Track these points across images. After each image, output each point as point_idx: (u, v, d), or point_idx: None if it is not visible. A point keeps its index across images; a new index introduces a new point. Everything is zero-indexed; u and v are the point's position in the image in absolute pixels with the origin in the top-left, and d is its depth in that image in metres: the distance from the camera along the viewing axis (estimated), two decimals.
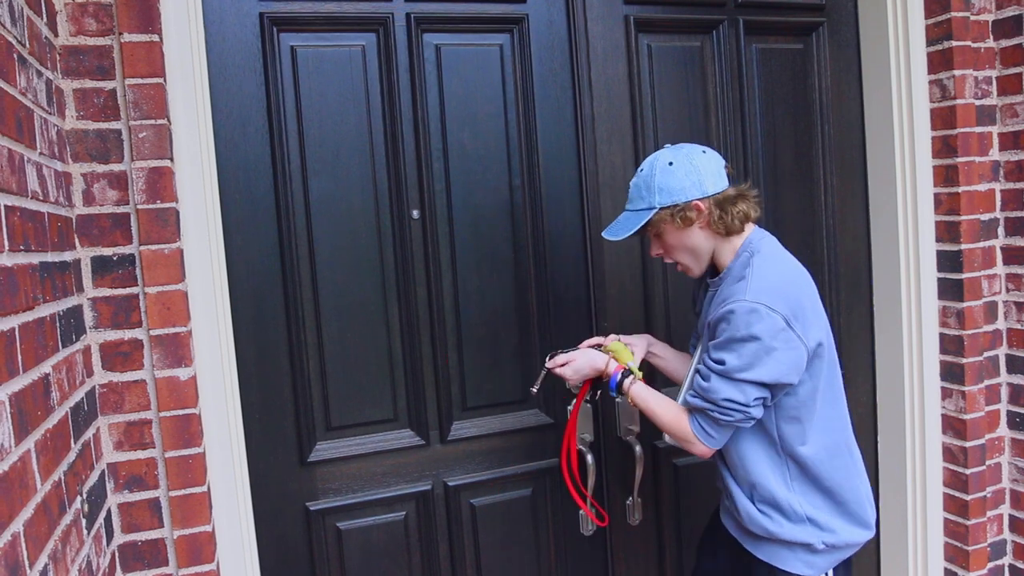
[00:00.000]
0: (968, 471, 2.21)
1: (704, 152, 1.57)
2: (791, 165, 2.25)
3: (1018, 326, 2.26)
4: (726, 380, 1.47)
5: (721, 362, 1.47)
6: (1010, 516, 2.32)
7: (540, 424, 2.05)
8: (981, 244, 2.21)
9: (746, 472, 1.58)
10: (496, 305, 1.99)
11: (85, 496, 1.30)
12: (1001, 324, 2.29)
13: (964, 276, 2.17)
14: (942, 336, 2.24)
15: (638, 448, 2.02)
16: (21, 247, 1.07)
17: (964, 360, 2.19)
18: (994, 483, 2.28)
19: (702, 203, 1.53)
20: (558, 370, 1.72)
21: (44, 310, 1.17)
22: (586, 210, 2.03)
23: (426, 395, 1.94)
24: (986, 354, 2.24)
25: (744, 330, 1.44)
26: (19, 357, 1.02)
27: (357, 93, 1.85)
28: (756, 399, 1.48)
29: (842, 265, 2.32)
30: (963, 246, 2.16)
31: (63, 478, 1.17)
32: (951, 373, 2.23)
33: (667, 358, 1.83)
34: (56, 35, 1.43)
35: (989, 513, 2.25)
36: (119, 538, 1.51)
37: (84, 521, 1.27)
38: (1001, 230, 2.27)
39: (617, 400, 1.67)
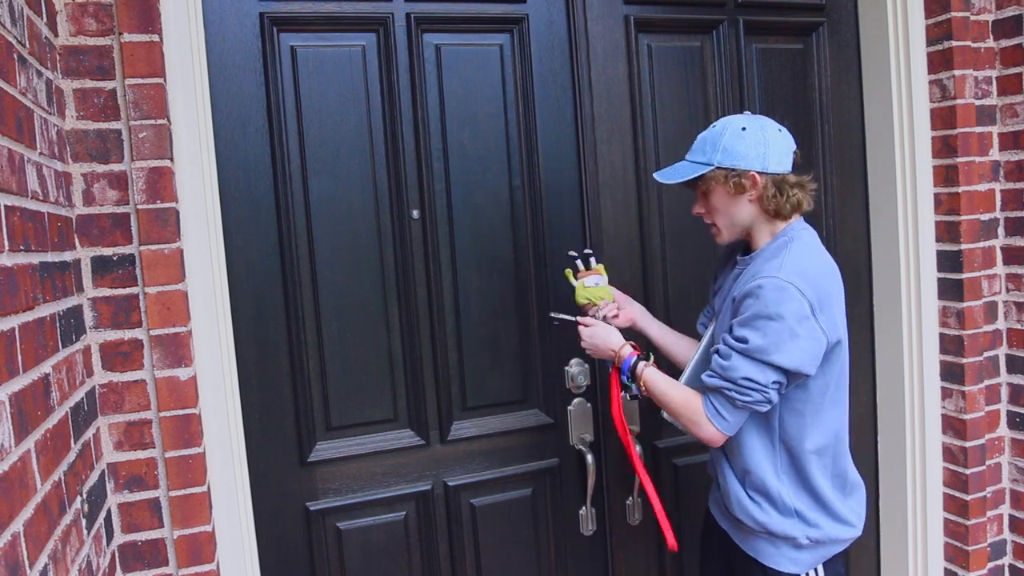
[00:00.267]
0: (968, 471, 2.21)
1: (780, 130, 1.55)
2: None
3: (1018, 326, 2.26)
4: (747, 359, 1.44)
5: (744, 340, 1.44)
6: (1010, 516, 2.32)
7: (540, 424, 2.05)
8: (981, 244, 2.21)
9: (741, 457, 1.58)
10: (496, 305, 1.99)
11: (85, 496, 1.30)
12: (1001, 324, 2.29)
13: (964, 276, 2.17)
14: (942, 336, 2.24)
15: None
16: (21, 247, 1.07)
17: (964, 360, 2.19)
18: (994, 483, 2.28)
19: (759, 176, 1.50)
20: (581, 320, 1.72)
21: (44, 310, 1.17)
22: (586, 210, 2.03)
23: (426, 395, 1.94)
24: (986, 354, 2.24)
25: (772, 307, 1.41)
26: (19, 357, 1.02)
27: (357, 93, 1.85)
28: (774, 383, 1.45)
29: (842, 265, 2.27)
30: (963, 246, 2.16)
31: (63, 478, 1.17)
32: (951, 373, 2.23)
33: (662, 335, 1.81)
34: (56, 35, 1.42)
35: (989, 513, 2.25)
36: (119, 538, 1.51)
37: (84, 521, 1.27)
38: (1001, 230, 2.27)
39: (631, 392, 1.66)
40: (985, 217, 2.23)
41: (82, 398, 1.36)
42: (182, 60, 1.57)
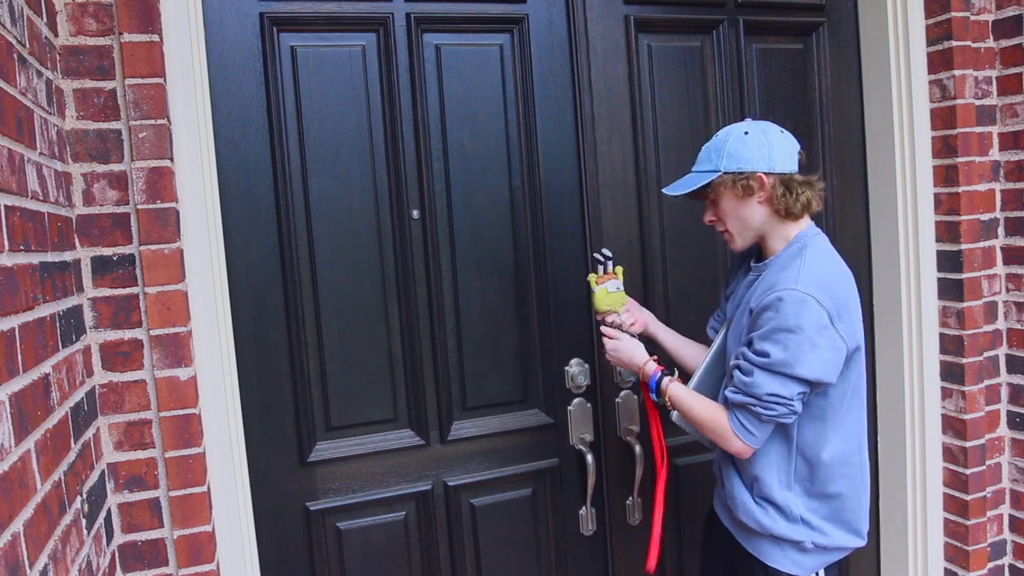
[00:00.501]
0: (968, 471, 2.21)
1: (783, 132, 1.56)
2: None
3: (1018, 326, 2.26)
4: (769, 374, 1.44)
5: (765, 354, 1.44)
6: (1010, 516, 2.32)
7: (540, 424, 2.05)
8: (981, 244, 2.21)
9: (752, 465, 1.57)
10: (496, 305, 1.99)
11: (85, 496, 1.30)
12: (1001, 324, 2.29)
13: (964, 276, 2.17)
14: (942, 336, 2.24)
15: (638, 448, 2.02)
16: (21, 247, 1.07)
17: (964, 360, 2.19)
18: (994, 483, 2.28)
19: (766, 177, 1.51)
20: (605, 340, 1.71)
21: (44, 310, 1.17)
22: (586, 210, 2.03)
23: (426, 395, 1.94)
24: (986, 354, 2.24)
25: (792, 320, 1.41)
26: (19, 357, 1.02)
27: (357, 93, 1.85)
28: (799, 394, 1.46)
29: None
30: (963, 246, 2.16)
31: (63, 478, 1.17)
32: (951, 373, 2.23)
33: (671, 340, 1.82)
34: (56, 35, 1.43)
35: (989, 513, 2.25)
36: (119, 538, 1.51)
37: (84, 521, 1.27)
38: (1001, 230, 2.27)
39: (656, 401, 1.66)
40: (985, 217, 2.23)
41: (82, 398, 1.36)
42: (182, 60, 1.57)
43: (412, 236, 1.91)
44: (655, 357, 1.68)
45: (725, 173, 1.52)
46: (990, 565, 2.27)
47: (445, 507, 1.99)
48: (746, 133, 1.53)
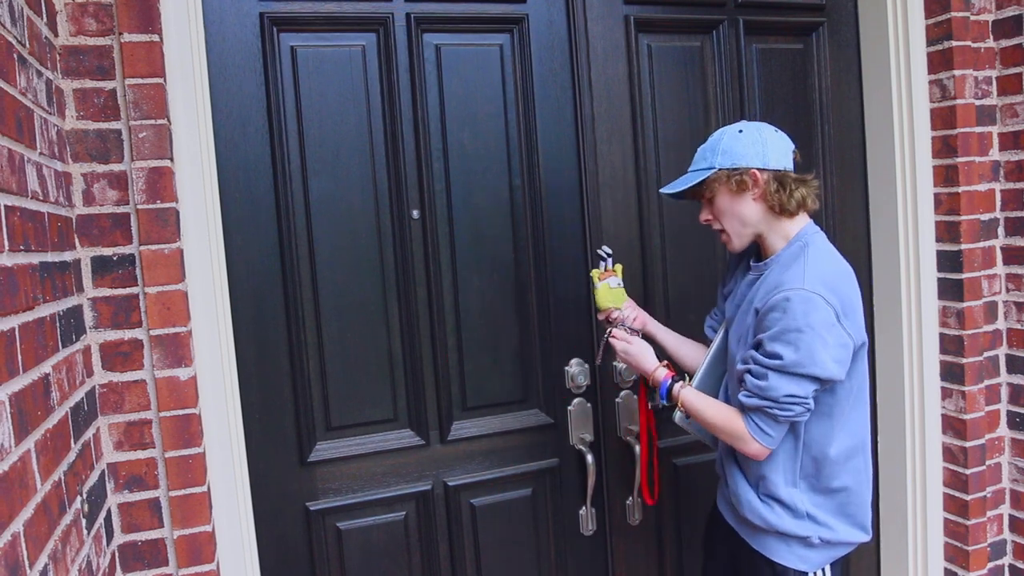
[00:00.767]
0: (968, 471, 2.21)
1: (777, 131, 1.58)
2: None
3: (1018, 326, 2.26)
4: (784, 375, 1.44)
5: (777, 356, 1.44)
6: (1010, 516, 2.32)
7: (540, 424, 2.05)
8: (981, 244, 2.21)
9: (757, 464, 1.57)
10: (496, 305, 1.99)
11: (85, 496, 1.30)
12: (1001, 324, 2.29)
13: (964, 276, 2.17)
14: (942, 336, 2.24)
15: (638, 448, 2.02)
16: (21, 247, 1.07)
17: (964, 360, 2.19)
18: (994, 483, 2.28)
19: (760, 173, 1.52)
20: (616, 342, 1.70)
21: (44, 310, 1.17)
22: (586, 210, 2.03)
23: (426, 395, 1.94)
24: (986, 354, 2.24)
25: (801, 319, 1.42)
26: (19, 357, 1.02)
27: (357, 93, 1.85)
28: (813, 391, 1.46)
29: None
30: (963, 246, 2.16)
31: (63, 478, 1.17)
32: (951, 373, 2.23)
33: (670, 339, 1.82)
34: (56, 35, 1.43)
35: (989, 513, 2.25)
36: (119, 538, 1.51)
37: (84, 521, 1.27)
38: (1001, 230, 2.27)
39: (663, 405, 1.68)
40: (985, 217, 2.23)
41: (82, 398, 1.36)
42: (182, 60, 1.57)
43: (412, 236, 1.91)
44: (665, 363, 1.67)
45: (720, 169, 1.53)
46: (990, 565, 2.27)
47: (445, 507, 1.99)
48: (740, 131, 1.56)
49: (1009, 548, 2.33)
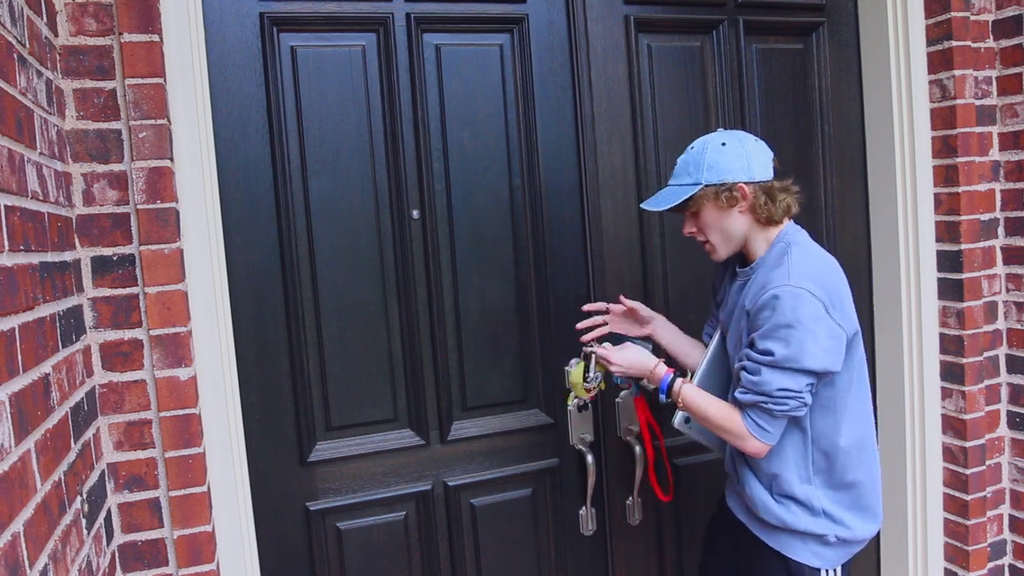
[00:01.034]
0: (968, 471, 2.21)
1: (756, 141, 1.59)
2: (791, 165, 2.24)
3: (1018, 326, 2.26)
4: (777, 370, 1.45)
5: (769, 352, 1.45)
6: (1010, 516, 2.32)
7: (540, 424, 2.05)
8: (981, 244, 2.21)
9: (769, 463, 1.58)
10: (496, 305, 1.99)
11: (85, 496, 1.30)
12: (1001, 324, 2.29)
13: (964, 276, 2.17)
14: (942, 336, 2.24)
15: (638, 448, 2.02)
16: (21, 247, 1.07)
17: (964, 360, 2.19)
18: (994, 483, 2.28)
19: (747, 187, 1.53)
20: (606, 354, 1.69)
21: (44, 310, 1.17)
22: (586, 210, 2.03)
23: (426, 395, 1.94)
24: (986, 354, 2.24)
25: (790, 314, 1.43)
26: (19, 357, 1.02)
27: (357, 93, 1.85)
28: (807, 385, 1.47)
29: (842, 265, 2.29)
30: (963, 246, 2.16)
31: (63, 478, 1.17)
32: (951, 373, 2.23)
33: (672, 339, 1.83)
34: (56, 35, 1.43)
35: (989, 513, 2.25)
36: (119, 538, 1.51)
37: (84, 521, 1.27)
38: (1001, 230, 2.27)
39: (664, 402, 1.67)
40: (985, 217, 2.23)
41: (82, 398, 1.36)
42: (182, 60, 1.57)
43: (412, 236, 1.91)
44: (663, 359, 1.68)
45: (707, 185, 1.54)
46: (990, 565, 2.27)
47: (445, 507, 1.99)
48: (723, 144, 1.55)
49: (1009, 548, 2.33)
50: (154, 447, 1.52)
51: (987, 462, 2.24)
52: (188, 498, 1.53)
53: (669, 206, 1.57)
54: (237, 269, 1.77)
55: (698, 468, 2.16)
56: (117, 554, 1.50)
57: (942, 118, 2.17)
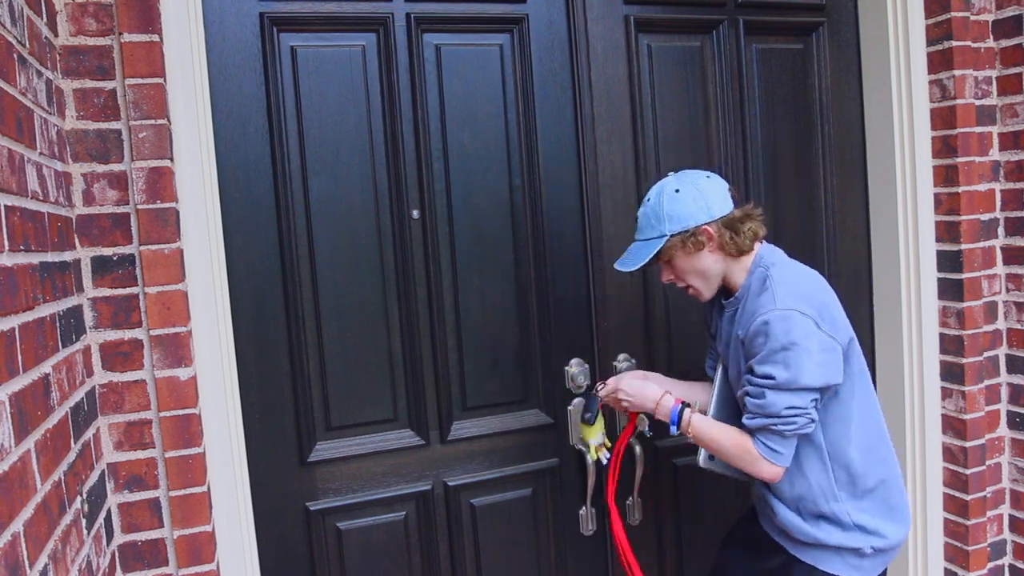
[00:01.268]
0: (968, 471, 2.21)
1: (708, 177, 1.59)
2: (791, 165, 2.25)
3: (1018, 326, 2.26)
4: (780, 392, 1.46)
5: (770, 376, 1.46)
6: (1010, 516, 2.32)
7: (540, 424, 2.05)
8: (981, 244, 2.21)
9: (791, 487, 1.58)
10: (496, 305, 1.99)
11: (85, 496, 1.30)
12: (1001, 324, 2.29)
13: (964, 276, 2.17)
14: (942, 336, 2.24)
15: (638, 448, 2.02)
16: (21, 247, 1.07)
17: (964, 360, 2.19)
18: (994, 483, 2.28)
19: (711, 227, 1.55)
20: (614, 394, 1.71)
21: (44, 310, 1.17)
22: (586, 210, 2.03)
23: (426, 395, 1.94)
24: (986, 354, 2.24)
25: (784, 338, 1.45)
26: (19, 357, 1.02)
27: (357, 93, 1.85)
28: (812, 401, 1.49)
29: (842, 265, 2.32)
30: (963, 246, 2.16)
31: (63, 478, 1.17)
32: (951, 373, 2.23)
33: (672, 388, 1.77)
34: (56, 35, 1.42)
35: (989, 513, 2.25)
36: (119, 538, 1.51)
37: (84, 521, 1.27)
38: (1001, 230, 2.27)
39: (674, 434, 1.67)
40: (985, 217, 2.23)
41: (82, 398, 1.36)
42: (182, 60, 1.57)
43: (412, 236, 1.91)
44: (668, 391, 1.67)
45: (672, 235, 1.55)
46: (990, 565, 2.27)
47: (445, 507, 1.99)
48: (677, 191, 1.56)
49: (1009, 548, 2.33)
50: (154, 447, 1.52)
51: (987, 462, 2.24)
52: (188, 498, 1.53)
53: (641, 264, 1.58)
54: (237, 269, 1.77)
55: (698, 468, 2.15)
56: (117, 554, 1.50)
57: (942, 118, 2.17)
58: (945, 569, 2.29)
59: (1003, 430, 2.29)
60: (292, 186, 1.81)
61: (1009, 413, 2.29)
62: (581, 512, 2.08)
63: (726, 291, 1.66)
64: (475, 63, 1.94)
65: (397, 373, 1.92)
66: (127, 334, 1.50)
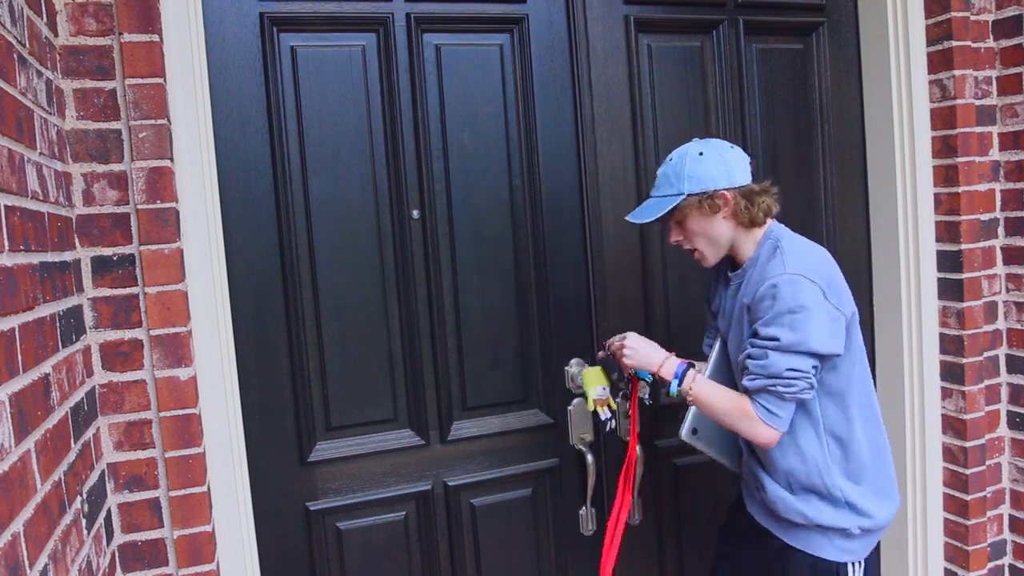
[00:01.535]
0: (968, 471, 2.21)
1: (732, 147, 1.62)
2: (791, 165, 2.25)
3: (1018, 326, 2.26)
4: (784, 353, 1.47)
5: (774, 338, 1.47)
6: (1010, 516, 2.32)
7: (540, 424, 2.05)
8: (981, 244, 2.21)
9: (783, 458, 1.59)
10: (496, 305, 1.99)
11: (85, 496, 1.30)
12: (1001, 324, 2.29)
13: (964, 276, 2.17)
14: (942, 336, 2.24)
15: (638, 448, 2.01)
16: (21, 247, 1.07)
17: (964, 360, 2.19)
18: (994, 483, 2.28)
19: (729, 193, 1.56)
20: (619, 348, 1.70)
21: (44, 310, 1.17)
22: (586, 210, 2.03)
23: (426, 395, 1.94)
24: (986, 354, 2.24)
25: (792, 301, 1.46)
26: (19, 357, 1.02)
27: (357, 93, 1.85)
28: (813, 367, 1.49)
29: (842, 265, 2.27)
30: (963, 246, 2.16)
31: (63, 478, 1.17)
32: (951, 373, 2.23)
33: None
34: (56, 35, 1.42)
35: (989, 513, 2.25)
36: (119, 538, 1.51)
37: (84, 521, 1.27)
38: (1001, 230, 2.27)
39: (673, 394, 1.66)
40: (985, 217, 2.23)
41: (82, 398, 1.36)
42: (182, 60, 1.57)
43: (412, 236, 1.91)
44: (675, 350, 1.67)
45: (690, 195, 1.56)
46: (990, 565, 2.27)
47: (445, 507, 1.99)
48: (701, 154, 1.59)
49: (1009, 548, 2.33)
50: (154, 447, 1.52)
51: (987, 462, 2.24)
52: (188, 498, 1.53)
53: (654, 217, 1.60)
54: (237, 269, 1.77)
55: (698, 468, 2.16)
56: (117, 554, 1.50)
57: (942, 118, 2.17)
58: (945, 569, 2.29)
59: (1003, 430, 2.29)
60: (292, 186, 1.82)
61: (1009, 413, 2.29)
62: (581, 512, 2.08)
63: (732, 264, 1.67)
64: (475, 63, 1.94)
65: (397, 373, 1.92)
66: (127, 334, 1.50)
